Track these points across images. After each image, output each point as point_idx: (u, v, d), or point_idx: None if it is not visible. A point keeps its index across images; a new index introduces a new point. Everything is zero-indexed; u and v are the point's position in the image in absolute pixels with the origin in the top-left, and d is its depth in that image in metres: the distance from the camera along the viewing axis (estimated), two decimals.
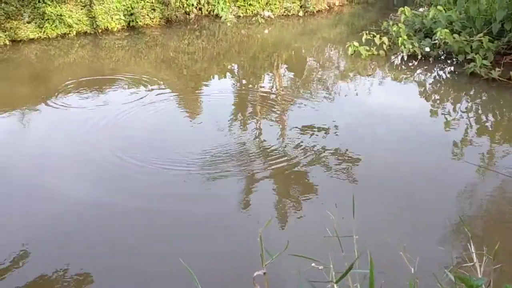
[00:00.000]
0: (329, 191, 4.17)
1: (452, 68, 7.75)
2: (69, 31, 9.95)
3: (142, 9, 10.80)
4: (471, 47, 7.25)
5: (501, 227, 3.66)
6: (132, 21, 10.64)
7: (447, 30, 7.53)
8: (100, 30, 10.25)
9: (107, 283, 3.20)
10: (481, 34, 7.20)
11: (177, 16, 11.26)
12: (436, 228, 3.61)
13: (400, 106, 6.28)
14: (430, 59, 7.96)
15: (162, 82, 7.43)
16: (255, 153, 4.90)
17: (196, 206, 4.02)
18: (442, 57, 8.14)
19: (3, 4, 9.37)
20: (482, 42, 7.10)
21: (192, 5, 11.39)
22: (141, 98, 6.61)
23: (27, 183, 4.44)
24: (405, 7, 9.05)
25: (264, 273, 1.36)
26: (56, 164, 4.78)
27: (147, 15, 10.87)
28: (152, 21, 10.95)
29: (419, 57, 7.97)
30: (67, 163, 4.79)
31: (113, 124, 5.72)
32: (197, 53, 9.36)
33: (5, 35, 9.28)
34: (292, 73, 8.31)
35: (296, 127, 5.49)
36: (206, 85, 7.61)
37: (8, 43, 9.29)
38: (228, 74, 8.42)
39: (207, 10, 11.68)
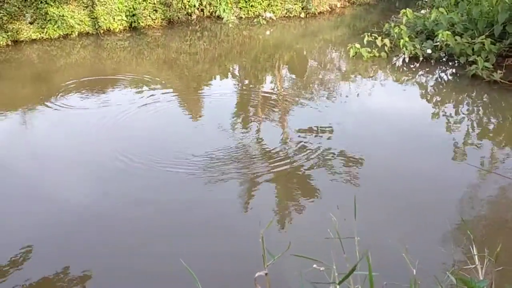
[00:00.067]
0: (330, 193, 4.16)
1: (453, 70, 7.75)
2: (71, 31, 9.97)
3: (144, 10, 10.81)
4: (472, 49, 7.24)
5: (503, 229, 3.65)
6: (134, 22, 10.66)
7: (448, 32, 7.52)
8: (102, 31, 10.27)
9: (107, 283, 3.19)
10: (483, 36, 7.19)
11: (179, 17, 11.27)
12: (437, 230, 3.60)
13: (402, 108, 6.28)
14: (432, 61, 7.95)
15: (163, 83, 7.43)
16: (257, 155, 4.90)
17: (197, 206, 4.01)
18: (444, 59, 8.13)
19: (5, 5, 9.39)
20: (484, 44, 7.09)
21: (194, 6, 11.40)
22: (143, 98, 6.62)
23: (27, 183, 4.45)
24: (407, 9, 9.04)
25: (266, 274, 1.35)
26: (56, 164, 4.78)
27: (149, 16, 10.89)
28: (154, 22, 10.96)
29: (421, 59, 7.97)
30: (68, 163, 4.79)
31: (114, 124, 5.73)
32: (199, 54, 9.37)
33: (8, 36, 9.30)
34: (294, 75, 8.31)
35: (298, 129, 5.49)
36: (207, 86, 7.61)
37: (10, 44, 9.31)
38: (229, 75, 8.43)
39: (209, 11, 11.69)
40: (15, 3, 9.49)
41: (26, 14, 9.56)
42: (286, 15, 12.27)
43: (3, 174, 4.62)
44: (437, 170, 4.51)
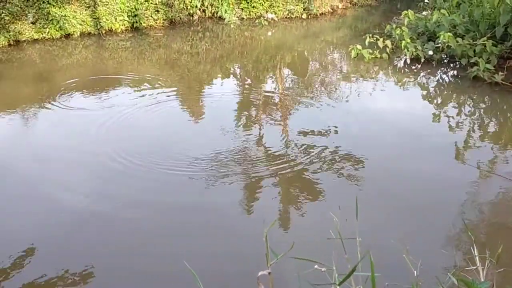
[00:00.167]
0: (331, 193, 4.16)
1: (455, 72, 7.74)
2: (73, 31, 9.98)
3: (146, 10, 10.82)
4: (474, 50, 7.24)
5: (504, 230, 3.64)
6: (136, 22, 10.67)
7: (450, 34, 7.51)
8: (104, 31, 10.28)
9: (107, 283, 3.19)
10: (485, 38, 7.19)
11: (180, 18, 11.28)
12: (438, 231, 3.59)
13: (403, 109, 6.28)
14: (433, 62, 7.94)
15: (165, 83, 7.44)
16: (258, 155, 4.89)
17: (197, 206, 4.01)
18: (445, 60, 8.13)
19: (7, 5, 9.41)
20: (485, 46, 7.09)
21: (196, 6, 11.41)
22: (144, 99, 6.62)
23: (27, 183, 4.45)
24: (409, 10, 9.03)
25: (269, 273, 1.35)
26: (57, 164, 4.78)
27: (151, 16, 10.90)
28: (156, 23, 10.97)
29: (422, 60, 7.96)
30: (68, 163, 4.79)
31: (115, 125, 5.73)
32: (201, 55, 9.37)
33: (9, 35, 9.31)
34: (295, 76, 8.31)
35: (299, 130, 5.49)
36: (209, 87, 7.61)
37: (12, 43, 9.32)
38: (231, 76, 8.43)
39: (210, 12, 11.70)
40: (17, 3, 9.51)
41: (28, 14, 9.58)
42: (288, 16, 12.28)
43: (4, 174, 4.62)
44: (438, 171, 4.51)
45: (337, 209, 2.34)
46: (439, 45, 7.85)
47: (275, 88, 7.61)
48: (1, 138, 5.58)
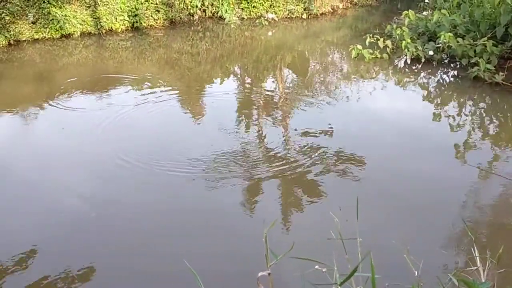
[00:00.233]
0: (331, 193, 4.16)
1: (455, 72, 7.74)
2: (74, 31, 9.98)
3: (146, 10, 10.82)
4: (474, 51, 7.24)
5: (505, 231, 3.64)
6: (136, 22, 10.66)
7: (451, 34, 7.51)
8: (104, 31, 10.28)
9: (107, 283, 3.19)
10: (485, 38, 7.18)
11: (181, 18, 11.28)
12: (438, 231, 3.59)
13: (403, 109, 6.27)
14: (434, 62, 7.94)
15: (165, 83, 7.44)
16: (258, 156, 4.89)
17: (197, 206, 4.01)
18: (446, 60, 8.12)
19: (8, 4, 9.40)
20: (486, 46, 7.08)
21: (196, 6, 11.40)
22: (145, 98, 6.62)
23: (27, 183, 4.44)
24: (409, 10, 9.02)
25: (269, 274, 1.35)
26: (57, 164, 4.78)
27: (151, 16, 10.90)
28: (156, 22, 10.97)
29: (423, 60, 7.96)
30: (68, 163, 4.79)
31: (115, 124, 5.73)
32: (201, 55, 9.37)
33: (10, 35, 9.31)
34: (296, 76, 8.30)
35: (299, 130, 5.48)
36: (209, 87, 7.61)
37: (12, 43, 9.32)
38: (231, 75, 8.43)
39: (211, 12, 11.70)
40: (18, 3, 9.50)
41: (28, 14, 9.57)
42: (288, 16, 12.27)
43: (4, 174, 4.62)
44: (439, 171, 4.51)
45: (336, 210, 2.34)
46: (440, 45, 7.84)
47: (275, 88, 7.61)
48: (1, 138, 5.58)
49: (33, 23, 9.63)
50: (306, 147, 4.99)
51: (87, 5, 10.22)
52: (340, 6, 13.32)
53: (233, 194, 4.15)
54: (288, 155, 4.86)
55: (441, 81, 7.59)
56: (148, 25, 10.86)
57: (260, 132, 5.59)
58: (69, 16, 9.94)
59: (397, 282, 1.82)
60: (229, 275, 3.17)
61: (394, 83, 7.53)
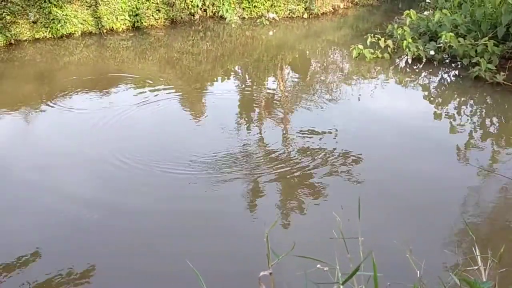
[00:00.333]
0: (332, 193, 4.15)
1: (456, 72, 7.73)
2: (74, 31, 9.98)
3: (147, 9, 10.82)
4: (476, 51, 7.23)
5: (506, 230, 3.64)
6: (137, 21, 10.67)
7: (452, 34, 7.50)
8: (105, 31, 10.28)
9: (108, 283, 3.19)
10: (486, 38, 7.17)
11: (181, 17, 11.28)
12: (440, 231, 3.58)
13: (404, 109, 6.26)
14: (435, 62, 7.93)
15: (166, 83, 7.44)
16: (259, 156, 4.89)
17: (198, 206, 4.00)
18: (447, 60, 8.12)
19: (9, 4, 9.41)
20: (487, 46, 7.07)
21: (197, 6, 11.40)
22: (145, 98, 6.62)
23: (28, 183, 4.44)
24: (410, 10, 9.02)
25: (270, 274, 1.34)
26: (57, 164, 4.78)
27: (152, 15, 10.90)
28: (157, 22, 10.97)
29: (424, 60, 7.95)
30: (69, 163, 4.79)
31: (116, 124, 5.73)
32: (202, 54, 9.37)
33: (11, 35, 9.32)
34: (296, 75, 8.30)
35: (300, 130, 5.48)
36: (210, 86, 7.61)
37: (13, 43, 9.33)
38: (232, 75, 8.42)
39: (212, 12, 11.70)
40: (19, 3, 9.51)
41: (29, 14, 9.58)
42: (289, 16, 12.26)
43: (3, 174, 4.62)
44: (440, 171, 4.50)
45: (337, 209, 2.34)
46: (441, 45, 7.83)
47: (276, 88, 7.60)
48: (1, 138, 5.58)
49: (34, 22, 9.64)
50: (306, 147, 4.99)
51: (88, 5, 10.22)
52: (341, 6, 13.31)
53: (233, 194, 4.14)
54: (288, 155, 4.86)
55: (442, 81, 7.58)
56: (149, 24, 10.86)
57: (261, 131, 5.59)
58: (70, 16, 9.94)
59: (397, 281, 1.82)
60: (230, 275, 3.17)
61: (395, 83, 7.52)
